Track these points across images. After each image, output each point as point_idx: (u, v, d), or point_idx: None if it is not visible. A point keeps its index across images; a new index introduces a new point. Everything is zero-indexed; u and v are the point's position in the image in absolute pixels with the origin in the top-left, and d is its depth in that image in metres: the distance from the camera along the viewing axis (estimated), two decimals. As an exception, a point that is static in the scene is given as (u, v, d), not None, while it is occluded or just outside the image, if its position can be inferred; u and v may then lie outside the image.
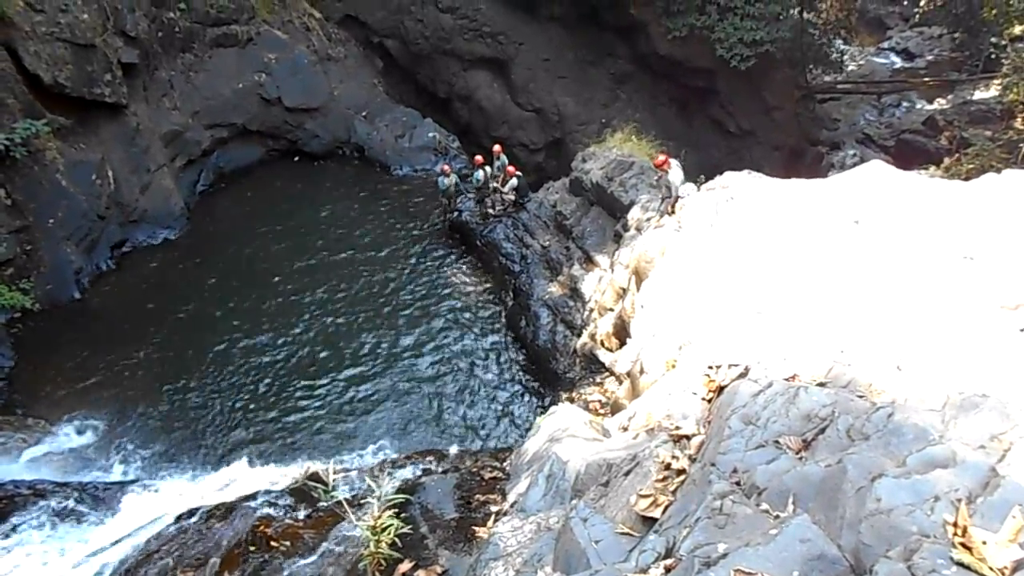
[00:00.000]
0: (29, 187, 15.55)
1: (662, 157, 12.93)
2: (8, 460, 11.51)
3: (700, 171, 14.25)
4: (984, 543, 2.85)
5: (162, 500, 10.10)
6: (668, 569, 3.59)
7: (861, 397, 4.70)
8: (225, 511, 8.59)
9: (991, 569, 2.76)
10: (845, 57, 28.40)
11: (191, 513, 8.78)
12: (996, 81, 24.28)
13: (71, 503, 9.68)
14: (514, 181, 18.02)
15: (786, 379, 5.23)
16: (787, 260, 7.97)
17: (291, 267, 17.76)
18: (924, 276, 6.36)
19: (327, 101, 23.28)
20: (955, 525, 2.99)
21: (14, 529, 9.06)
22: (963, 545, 2.87)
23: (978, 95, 26.55)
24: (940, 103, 27.81)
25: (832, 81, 28.30)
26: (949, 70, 29.20)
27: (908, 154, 22.27)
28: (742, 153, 22.98)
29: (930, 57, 32.00)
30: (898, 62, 32.90)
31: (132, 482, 10.90)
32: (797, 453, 4.19)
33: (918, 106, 28.42)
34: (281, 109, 22.58)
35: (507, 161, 18.45)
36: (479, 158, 18.41)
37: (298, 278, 17.34)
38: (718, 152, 22.90)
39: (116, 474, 11.71)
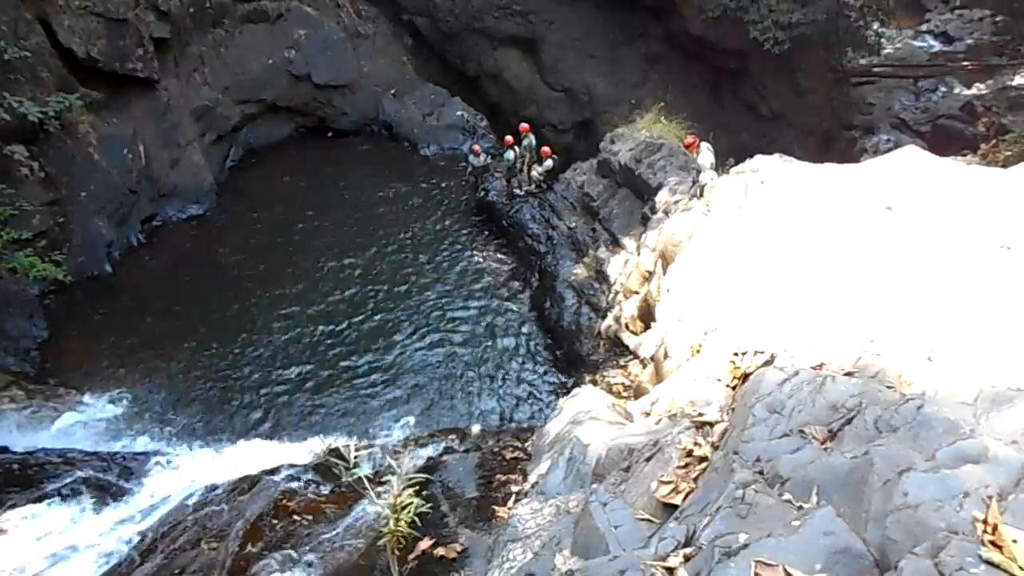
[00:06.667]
0: (62, 161, 15.73)
1: (691, 138, 12.89)
2: (39, 428, 11.73)
3: (731, 154, 14.08)
4: (1015, 541, 2.77)
5: (188, 472, 10.22)
6: (688, 558, 3.55)
7: (890, 388, 4.60)
8: (249, 484, 8.68)
9: (1021, 568, 2.68)
10: (882, 40, 27.74)
11: (216, 486, 8.89)
12: (1038, 66, 23.70)
13: (99, 472, 9.83)
14: (549, 163, 17.89)
15: (813, 368, 5.14)
16: (817, 246, 7.84)
17: (318, 243, 17.85)
18: (958, 265, 6.21)
19: (356, 78, 23.24)
20: (985, 522, 2.91)
21: (44, 496, 9.19)
22: (993, 543, 2.79)
23: (1018, 80, 25.89)
24: (979, 88, 27.10)
25: (868, 64, 27.68)
26: (989, 54, 28.44)
27: (944, 140, 21.76)
28: (774, 136, 22.59)
29: (970, 41, 31.10)
30: (936, 45, 32.00)
31: (159, 453, 11.03)
32: (822, 443, 4.12)
33: (956, 91, 27.69)
34: (310, 85, 22.61)
35: (535, 141, 18.32)
36: (509, 138, 18.31)
37: (325, 254, 17.42)
38: (749, 135, 22.47)
39: (143, 445, 11.88)
